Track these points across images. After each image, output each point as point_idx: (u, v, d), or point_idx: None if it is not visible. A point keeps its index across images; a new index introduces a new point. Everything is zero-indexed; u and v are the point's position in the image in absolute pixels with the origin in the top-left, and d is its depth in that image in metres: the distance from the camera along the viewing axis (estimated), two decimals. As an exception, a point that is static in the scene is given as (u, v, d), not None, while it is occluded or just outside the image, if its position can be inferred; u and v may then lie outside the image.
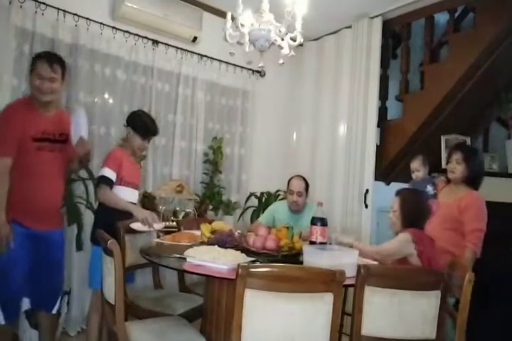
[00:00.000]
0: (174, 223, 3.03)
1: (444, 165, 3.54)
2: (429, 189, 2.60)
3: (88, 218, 2.75)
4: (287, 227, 2.30)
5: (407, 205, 2.11)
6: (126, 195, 2.38)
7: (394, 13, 3.64)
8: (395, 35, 3.95)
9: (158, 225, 2.34)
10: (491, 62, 3.27)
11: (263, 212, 3.30)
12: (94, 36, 3.03)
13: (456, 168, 2.41)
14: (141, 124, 2.44)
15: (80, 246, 2.75)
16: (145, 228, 2.28)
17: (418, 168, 2.77)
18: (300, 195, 2.93)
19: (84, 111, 2.23)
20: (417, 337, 1.60)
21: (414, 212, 2.11)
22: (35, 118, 2.13)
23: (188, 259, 1.81)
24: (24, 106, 2.14)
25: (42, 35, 2.79)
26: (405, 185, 2.80)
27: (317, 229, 2.17)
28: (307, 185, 3.00)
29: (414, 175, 2.79)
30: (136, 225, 2.27)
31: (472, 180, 2.42)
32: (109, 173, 2.30)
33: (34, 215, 2.16)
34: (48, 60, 2.11)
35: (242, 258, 1.86)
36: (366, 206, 3.58)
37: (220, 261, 1.75)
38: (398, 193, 2.19)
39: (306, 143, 4.19)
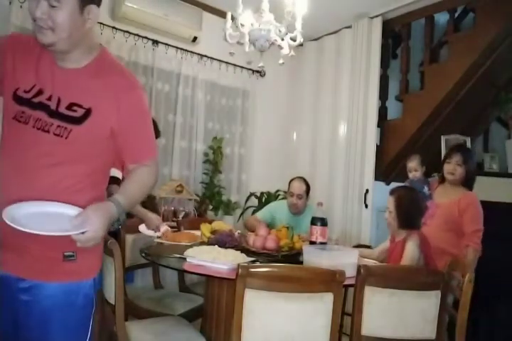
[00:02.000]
0: (174, 223, 3.03)
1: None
2: (426, 189, 2.61)
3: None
4: (287, 227, 2.30)
5: (403, 204, 2.09)
6: None
7: (394, 13, 3.63)
8: (395, 35, 3.95)
9: (163, 228, 2.36)
10: (491, 62, 3.27)
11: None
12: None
13: (457, 169, 2.44)
14: None
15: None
16: (151, 233, 2.29)
17: (416, 168, 2.78)
18: (300, 197, 2.92)
19: None
20: (417, 337, 1.60)
21: (410, 211, 2.09)
22: (37, 64, 1.21)
23: (188, 259, 1.81)
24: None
25: (42, 35, 2.78)
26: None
27: (317, 229, 2.17)
28: (308, 188, 2.98)
29: (411, 175, 2.79)
30: (143, 228, 2.29)
31: (468, 181, 2.47)
32: (117, 172, 2.29)
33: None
34: None
35: (242, 258, 1.86)
36: (366, 206, 3.58)
37: (220, 261, 1.75)
38: (392, 192, 2.18)
39: (306, 143, 4.19)
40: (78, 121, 1.19)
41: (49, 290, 1.19)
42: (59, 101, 1.18)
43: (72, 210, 1.15)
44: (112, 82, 1.24)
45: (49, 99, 1.18)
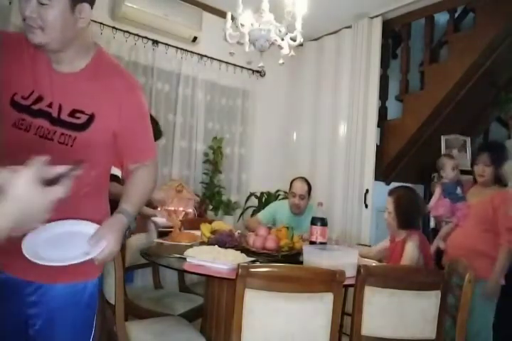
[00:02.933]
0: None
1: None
2: (459, 191, 2.46)
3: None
4: (287, 227, 2.30)
5: (402, 205, 2.09)
6: None
7: (394, 13, 3.63)
8: (395, 35, 3.95)
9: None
10: (491, 62, 3.27)
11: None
12: (93, 36, 3.02)
13: (486, 170, 2.33)
14: None
15: None
16: (167, 223, 2.31)
17: (455, 166, 2.51)
18: (302, 198, 2.93)
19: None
20: (417, 337, 1.60)
21: (409, 211, 2.10)
22: (32, 68, 1.16)
23: (188, 259, 1.81)
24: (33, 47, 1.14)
25: (42, 35, 2.78)
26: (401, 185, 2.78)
27: (317, 229, 2.17)
28: (310, 188, 2.99)
29: (451, 174, 2.51)
30: (158, 219, 2.31)
31: (502, 179, 2.35)
32: (116, 170, 2.28)
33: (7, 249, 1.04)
34: None
35: (242, 258, 1.86)
36: (366, 206, 3.58)
37: (220, 261, 1.75)
38: (391, 193, 2.18)
39: (306, 143, 4.19)
40: (82, 127, 1.17)
41: (56, 291, 1.19)
42: (60, 108, 1.16)
43: (83, 225, 1.15)
44: (112, 84, 1.21)
45: (49, 106, 1.15)
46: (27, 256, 1.05)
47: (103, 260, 1.13)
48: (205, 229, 2.29)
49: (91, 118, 1.17)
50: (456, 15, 3.61)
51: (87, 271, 1.23)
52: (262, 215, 3.09)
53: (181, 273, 2.67)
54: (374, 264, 2.00)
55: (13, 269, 1.17)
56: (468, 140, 3.65)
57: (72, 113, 1.16)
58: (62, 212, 1.11)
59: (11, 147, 1.16)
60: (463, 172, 3.55)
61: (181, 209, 3.37)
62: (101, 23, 3.05)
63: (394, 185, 3.67)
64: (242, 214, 3.84)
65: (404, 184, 2.97)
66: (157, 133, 2.51)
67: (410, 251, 1.96)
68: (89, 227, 1.14)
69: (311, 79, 4.19)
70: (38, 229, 1.08)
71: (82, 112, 1.17)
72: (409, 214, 2.09)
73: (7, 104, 1.14)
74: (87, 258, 1.08)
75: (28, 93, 1.15)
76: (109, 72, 1.24)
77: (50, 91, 1.16)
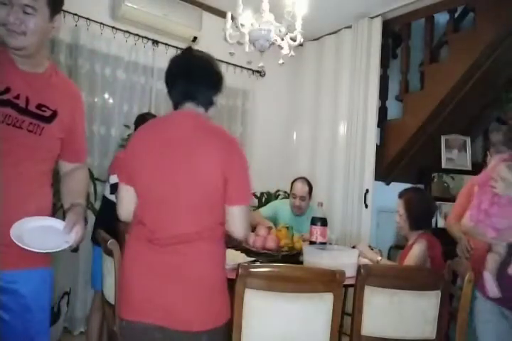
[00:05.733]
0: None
1: (444, 165, 3.56)
2: None
3: (88, 218, 2.75)
4: (287, 227, 2.30)
5: (413, 207, 2.08)
6: None
7: (394, 13, 3.63)
8: (395, 35, 3.95)
9: None
10: (491, 62, 3.27)
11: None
12: (94, 36, 3.02)
13: None
14: None
15: (75, 248, 2.73)
16: None
17: None
18: (303, 199, 2.92)
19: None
20: (417, 337, 1.61)
21: (420, 213, 2.08)
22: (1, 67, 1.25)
23: (188, 259, 1.80)
24: None
25: (42, 35, 2.78)
26: (406, 185, 2.78)
27: (317, 229, 2.18)
28: (310, 188, 2.98)
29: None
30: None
31: None
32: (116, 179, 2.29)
33: None
34: None
35: (242, 258, 1.86)
36: (366, 206, 3.58)
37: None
38: (401, 195, 2.16)
39: (306, 143, 4.18)
40: (48, 120, 1.30)
41: (28, 277, 1.27)
42: (27, 100, 1.26)
43: (52, 221, 1.31)
44: (67, 89, 1.41)
45: (17, 97, 1.24)
46: (15, 241, 1.15)
47: (77, 244, 1.30)
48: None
49: (54, 113, 1.32)
50: (456, 15, 3.61)
51: (46, 259, 1.33)
52: (264, 211, 3.08)
53: (181, 273, 2.66)
54: (374, 264, 2.00)
55: None
56: (468, 140, 3.65)
57: (39, 106, 1.29)
58: (23, 197, 1.23)
59: None
60: (463, 172, 3.57)
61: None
62: (101, 23, 3.05)
63: (394, 185, 3.68)
64: (242, 214, 3.83)
65: (405, 184, 2.97)
66: None
67: (415, 252, 1.96)
68: (56, 222, 1.31)
69: (311, 79, 4.18)
70: (18, 223, 1.21)
71: (47, 107, 1.30)
72: (421, 215, 2.08)
73: None
74: (69, 245, 1.25)
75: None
76: (63, 78, 1.44)
77: (16, 85, 1.25)
